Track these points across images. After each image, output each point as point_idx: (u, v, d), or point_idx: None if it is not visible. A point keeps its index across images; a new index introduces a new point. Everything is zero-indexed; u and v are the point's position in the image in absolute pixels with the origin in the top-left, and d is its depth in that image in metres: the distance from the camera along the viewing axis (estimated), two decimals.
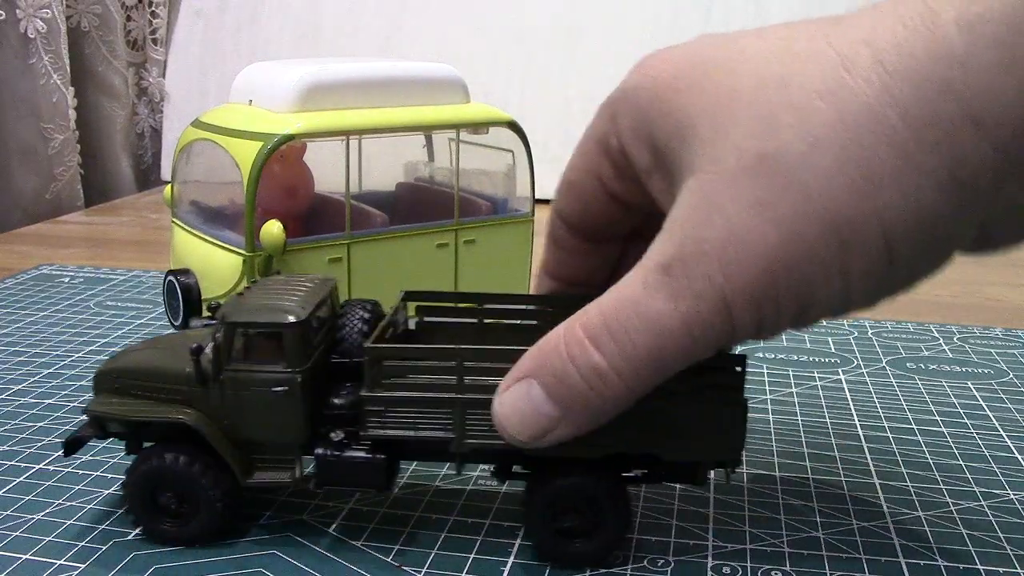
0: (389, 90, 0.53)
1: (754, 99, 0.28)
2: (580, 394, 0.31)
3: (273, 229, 0.47)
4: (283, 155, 0.51)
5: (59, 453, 0.44)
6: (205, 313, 0.49)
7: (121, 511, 0.39)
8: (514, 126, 0.56)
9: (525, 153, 0.57)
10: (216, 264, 0.49)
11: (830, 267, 0.28)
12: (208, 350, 0.36)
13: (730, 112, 0.29)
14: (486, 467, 0.41)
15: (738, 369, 0.35)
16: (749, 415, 0.35)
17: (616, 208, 0.36)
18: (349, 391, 0.37)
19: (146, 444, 0.38)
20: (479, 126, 0.55)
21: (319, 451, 0.37)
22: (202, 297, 0.50)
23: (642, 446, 0.35)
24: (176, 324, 0.51)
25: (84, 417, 0.38)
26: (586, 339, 0.30)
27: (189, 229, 0.53)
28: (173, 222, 0.55)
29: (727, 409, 0.35)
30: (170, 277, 0.52)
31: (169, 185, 0.55)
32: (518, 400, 0.32)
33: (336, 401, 0.37)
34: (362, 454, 0.36)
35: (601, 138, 0.34)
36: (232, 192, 0.50)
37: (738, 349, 0.61)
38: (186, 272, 0.51)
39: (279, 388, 0.36)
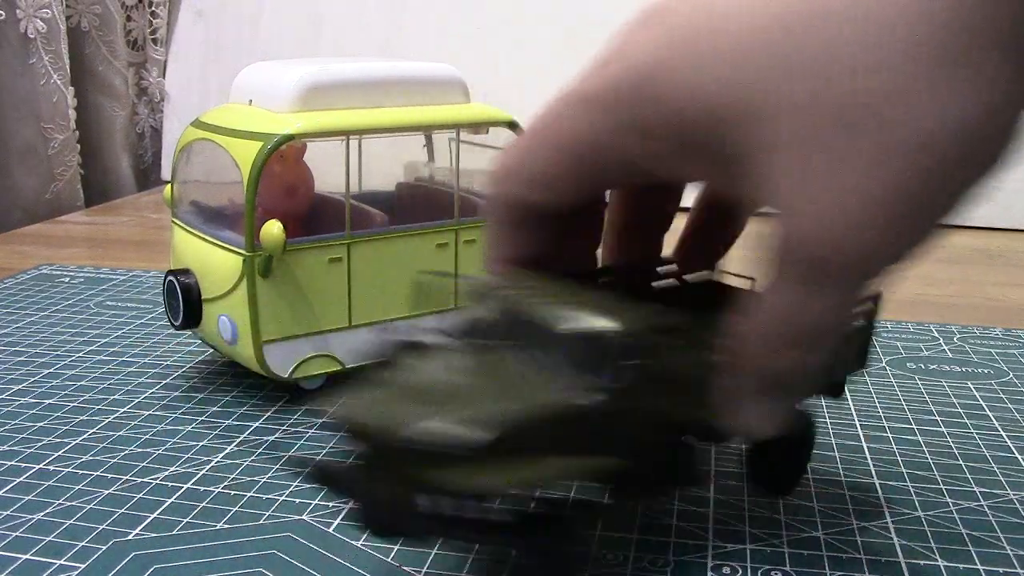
0: (389, 90, 0.53)
1: (789, 48, 0.28)
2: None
3: (273, 229, 0.47)
4: (283, 155, 0.51)
5: (59, 453, 0.44)
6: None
7: (121, 511, 0.39)
8: (514, 126, 0.56)
9: None
10: (216, 264, 0.49)
11: (938, 183, 0.28)
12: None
13: (776, 71, 0.28)
14: None
15: None
16: None
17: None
18: None
19: None
20: (479, 126, 0.55)
21: None
22: (202, 297, 0.50)
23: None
24: (176, 324, 0.51)
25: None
26: (773, 356, 0.32)
27: (189, 229, 0.53)
28: (173, 222, 0.55)
29: None
30: (170, 277, 0.52)
31: (169, 185, 0.55)
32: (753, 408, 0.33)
33: None
34: None
35: (590, 139, 0.33)
36: (232, 192, 0.50)
37: None
38: (186, 272, 0.51)
39: None
